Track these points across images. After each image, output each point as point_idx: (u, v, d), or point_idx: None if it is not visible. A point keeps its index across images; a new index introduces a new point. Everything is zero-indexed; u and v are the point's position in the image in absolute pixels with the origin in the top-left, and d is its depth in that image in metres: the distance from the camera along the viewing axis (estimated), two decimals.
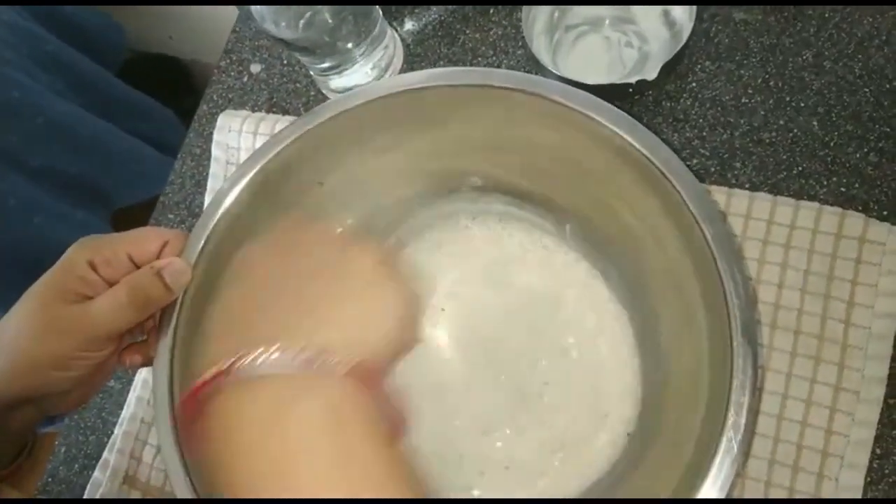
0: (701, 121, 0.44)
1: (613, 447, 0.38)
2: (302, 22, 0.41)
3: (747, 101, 0.44)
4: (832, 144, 0.42)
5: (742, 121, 0.43)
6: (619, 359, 0.39)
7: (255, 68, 0.55)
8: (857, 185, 0.41)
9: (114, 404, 0.49)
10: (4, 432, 0.34)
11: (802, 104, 0.43)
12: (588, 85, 0.40)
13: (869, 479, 0.36)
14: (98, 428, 0.49)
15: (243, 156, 0.51)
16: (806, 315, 0.38)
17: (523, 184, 0.41)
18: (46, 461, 0.49)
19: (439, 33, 0.51)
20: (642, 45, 0.46)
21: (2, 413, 0.32)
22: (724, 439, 0.28)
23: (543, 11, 0.47)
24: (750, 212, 0.40)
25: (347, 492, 0.23)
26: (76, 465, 0.49)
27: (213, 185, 0.52)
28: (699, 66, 0.45)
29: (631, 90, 0.42)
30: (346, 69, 0.47)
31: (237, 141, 0.51)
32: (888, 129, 0.41)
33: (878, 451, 0.36)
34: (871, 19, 0.44)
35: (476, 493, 0.39)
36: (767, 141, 0.43)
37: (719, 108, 0.44)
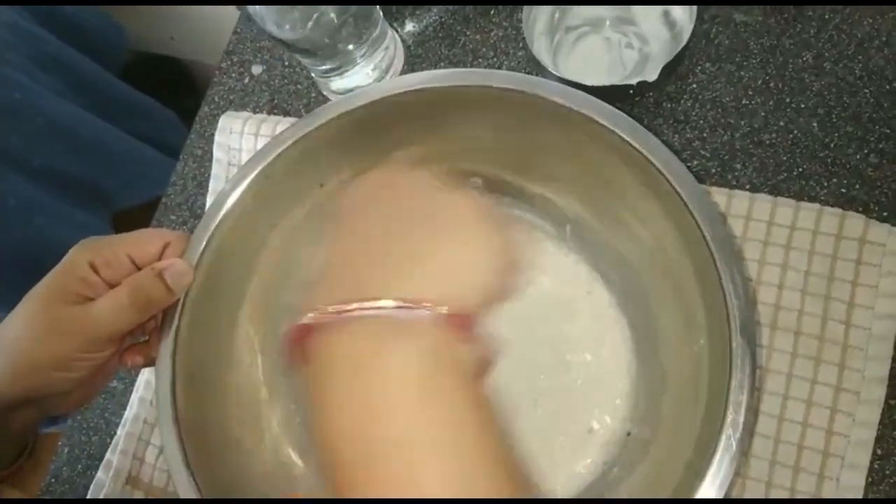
0: (701, 122, 0.44)
1: (613, 447, 0.38)
2: (310, 23, 0.41)
3: (748, 102, 0.44)
4: (832, 146, 0.42)
5: (742, 122, 0.44)
6: (619, 359, 0.39)
7: (257, 70, 0.55)
8: (857, 187, 0.41)
9: (116, 405, 0.49)
10: (5, 433, 0.34)
11: (803, 105, 0.43)
12: (588, 86, 0.40)
13: (870, 479, 0.36)
14: (101, 429, 0.49)
15: (245, 157, 0.51)
16: (806, 316, 0.38)
17: (523, 185, 0.41)
18: (49, 462, 0.50)
19: (440, 34, 0.51)
20: (643, 46, 0.46)
21: (3, 414, 0.32)
22: (723, 437, 0.28)
23: (544, 12, 0.47)
24: (750, 213, 0.40)
25: (437, 434, 0.24)
26: (79, 466, 0.49)
27: (214, 186, 0.52)
28: (699, 68, 0.45)
29: (631, 91, 0.43)
30: (347, 71, 0.47)
31: (238, 142, 0.51)
32: (888, 131, 0.41)
33: (878, 451, 0.36)
34: (871, 21, 0.44)
35: None
36: (768, 142, 0.43)
37: (720, 110, 0.44)
